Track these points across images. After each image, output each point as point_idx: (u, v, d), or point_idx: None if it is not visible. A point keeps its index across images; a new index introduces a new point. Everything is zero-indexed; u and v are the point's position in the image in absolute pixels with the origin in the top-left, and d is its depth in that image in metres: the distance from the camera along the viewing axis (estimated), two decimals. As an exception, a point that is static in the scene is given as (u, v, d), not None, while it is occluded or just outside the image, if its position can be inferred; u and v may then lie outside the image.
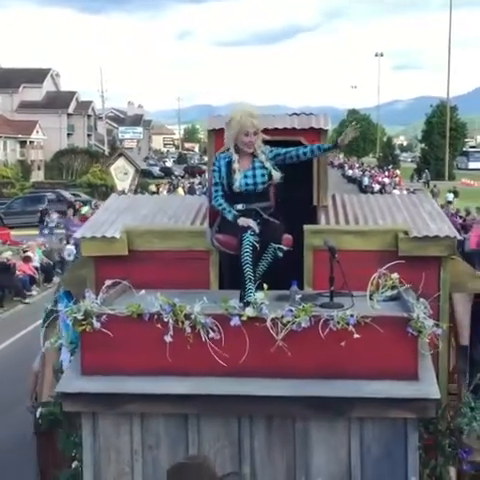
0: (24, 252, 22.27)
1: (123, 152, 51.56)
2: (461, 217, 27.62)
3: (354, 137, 5.31)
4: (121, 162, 47.79)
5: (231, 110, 5.32)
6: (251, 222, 5.04)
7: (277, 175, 5.23)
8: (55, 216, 30.81)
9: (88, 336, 4.82)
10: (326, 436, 4.79)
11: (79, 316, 4.78)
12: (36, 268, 21.71)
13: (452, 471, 5.82)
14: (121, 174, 46.75)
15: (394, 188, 46.67)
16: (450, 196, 42.39)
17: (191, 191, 43.68)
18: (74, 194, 41.93)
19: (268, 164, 5.21)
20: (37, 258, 22.27)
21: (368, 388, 4.64)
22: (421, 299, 4.85)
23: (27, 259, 21.50)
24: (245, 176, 5.18)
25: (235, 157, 5.20)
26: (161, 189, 46.51)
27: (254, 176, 5.20)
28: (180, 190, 46.02)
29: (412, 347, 4.67)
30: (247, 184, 5.18)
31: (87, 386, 4.81)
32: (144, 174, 50.93)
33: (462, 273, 6.02)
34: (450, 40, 57.10)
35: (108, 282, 5.24)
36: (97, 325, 4.77)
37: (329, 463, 4.81)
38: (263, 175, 5.21)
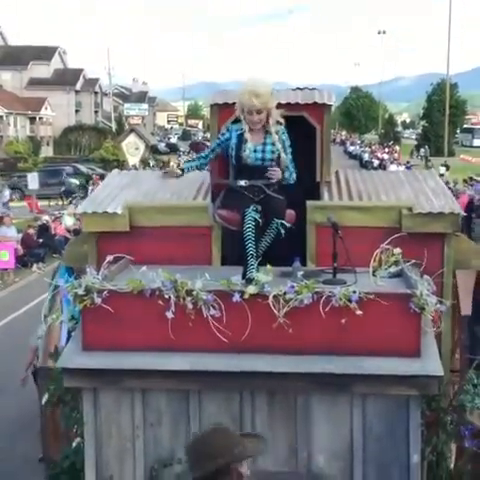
0: (56, 218, 25.08)
1: (134, 128, 52.98)
2: (450, 188, 28.37)
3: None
4: (132, 138, 50.07)
5: (239, 87, 5.30)
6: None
7: (285, 161, 5.20)
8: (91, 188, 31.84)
9: (89, 312, 4.81)
10: (328, 412, 4.79)
11: (80, 292, 4.76)
12: (69, 231, 23.53)
13: (453, 448, 5.83)
14: (132, 149, 48.93)
15: (392, 163, 49.32)
16: (442, 169, 44.29)
17: None
18: (90, 168, 43.80)
19: (279, 145, 5.18)
20: (72, 222, 24.02)
21: (370, 364, 4.62)
22: (424, 276, 4.82)
23: (59, 222, 24.49)
24: (255, 150, 5.17)
25: (246, 127, 5.19)
26: (172, 163, 47.32)
27: (263, 151, 5.18)
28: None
29: (415, 324, 4.64)
30: (256, 159, 5.16)
31: (88, 362, 4.80)
32: (151, 150, 52.07)
33: (466, 250, 5.98)
34: (450, 18, 57.15)
35: (109, 258, 5.21)
36: (98, 301, 4.76)
37: (331, 439, 4.81)
38: (273, 152, 5.19)
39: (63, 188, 36.84)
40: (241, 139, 5.18)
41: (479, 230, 22.30)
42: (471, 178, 32.51)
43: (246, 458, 3.33)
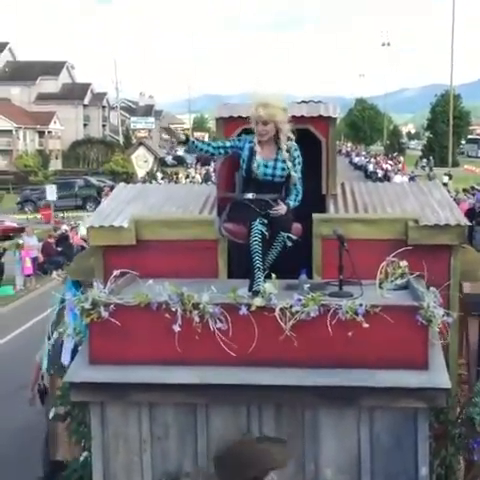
0: (72, 228, 25.88)
1: (143, 141, 54.40)
2: (452, 197, 28.42)
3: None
4: (141, 151, 51.81)
5: (250, 97, 5.28)
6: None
7: (295, 178, 5.18)
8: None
9: (96, 326, 4.81)
10: (336, 425, 4.78)
11: (87, 305, 4.77)
12: (85, 240, 24.25)
13: (461, 461, 5.80)
14: (141, 162, 50.58)
15: (396, 173, 49.98)
16: (445, 178, 45.29)
17: (207, 177, 45.41)
18: (100, 180, 44.94)
19: (289, 164, 5.16)
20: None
21: (378, 377, 4.61)
22: (431, 288, 4.81)
23: (76, 232, 25.11)
24: (266, 166, 5.13)
25: (256, 140, 5.15)
26: (180, 175, 50.01)
27: (274, 168, 5.15)
28: (197, 176, 49.30)
29: (422, 336, 4.63)
30: (266, 174, 5.14)
31: (95, 375, 4.80)
32: (159, 162, 53.22)
33: (472, 261, 5.97)
34: (453, 30, 57.63)
35: (116, 272, 5.22)
36: (105, 314, 4.76)
37: (338, 452, 4.79)
38: (283, 169, 5.15)
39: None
40: (252, 152, 5.18)
41: (480, 238, 22.55)
42: (473, 187, 33.00)
43: (276, 469, 3.34)
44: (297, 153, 5.19)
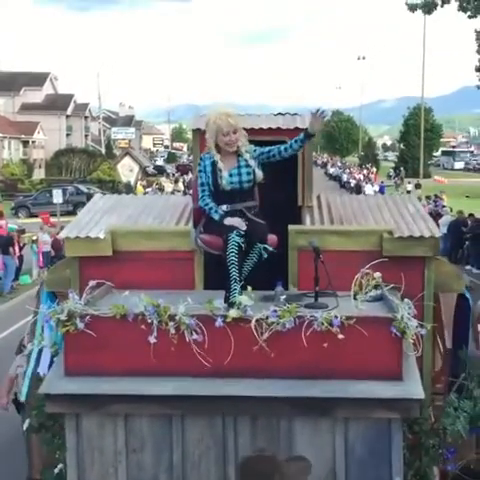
0: None
1: (129, 151, 56.23)
2: None
3: (323, 123, 5.21)
4: (127, 160, 53.11)
5: (208, 112, 5.32)
6: (238, 221, 5.03)
7: (260, 174, 5.21)
8: None
9: (71, 337, 4.80)
10: (311, 436, 4.79)
11: (62, 317, 4.75)
12: None
13: (435, 471, 5.84)
14: (127, 171, 52.72)
15: (367, 183, 52.25)
16: (409, 186, 48.66)
17: (189, 186, 46.55)
18: (88, 188, 46.85)
19: (252, 162, 5.20)
20: None
21: (352, 388, 4.64)
22: (405, 299, 4.86)
23: None
24: (230, 175, 5.16)
25: (217, 157, 5.19)
26: (163, 184, 51.03)
27: (239, 174, 5.19)
28: (180, 184, 50.65)
29: (396, 347, 4.67)
30: (232, 183, 5.16)
31: (70, 387, 4.78)
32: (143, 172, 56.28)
33: (446, 273, 6.03)
34: (424, 44, 58.76)
35: (92, 283, 5.21)
36: (81, 326, 4.75)
37: (314, 463, 4.80)
38: (248, 173, 5.20)
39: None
40: (214, 167, 5.19)
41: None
42: (436, 195, 34.56)
43: None
44: (252, 149, 5.24)
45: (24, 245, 23.53)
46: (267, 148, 5.27)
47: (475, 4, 27.59)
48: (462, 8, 27.96)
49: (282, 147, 5.23)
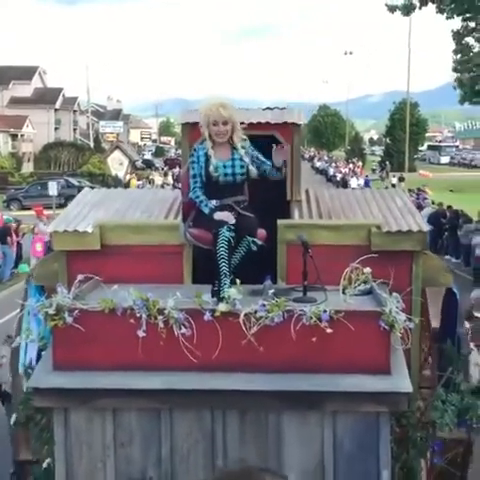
0: None
1: (118, 145, 56.82)
2: None
3: (286, 155, 5.35)
4: (117, 154, 53.84)
5: (202, 103, 5.32)
6: (227, 215, 5.03)
7: (254, 171, 5.23)
8: None
9: (60, 331, 4.79)
10: (299, 429, 4.81)
11: (51, 311, 4.74)
12: None
13: (422, 463, 5.88)
14: (117, 164, 52.82)
15: (352, 177, 53.07)
16: (394, 180, 49.56)
17: (178, 179, 47.18)
18: (78, 181, 47.18)
19: (247, 159, 5.22)
20: None
21: (341, 382, 4.66)
22: (394, 293, 4.88)
23: None
24: (224, 166, 5.17)
25: (209, 144, 5.19)
26: (151, 177, 52.35)
27: (233, 166, 5.19)
28: (169, 177, 51.61)
29: (384, 341, 4.70)
30: (226, 174, 5.16)
31: (59, 381, 4.78)
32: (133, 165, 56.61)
33: (434, 267, 6.05)
34: (410, 39, 59.13)
35: (80, 277, 5.20)
36: (69, 320, 4.74)
37: (302, 456, 4.83)
38: (242, 166, 5.20)
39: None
40: (207, 157, 5.19)
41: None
42: (419, 188, 35.34)
43: None
44: (250, 148, 5.27)
45: (23, 235, 23.90)
46: (263, 158, 5.31)
47: (451, 7, 27.85)
48: (440, 10, 28.22)
49: (269, 168, 5.31)
